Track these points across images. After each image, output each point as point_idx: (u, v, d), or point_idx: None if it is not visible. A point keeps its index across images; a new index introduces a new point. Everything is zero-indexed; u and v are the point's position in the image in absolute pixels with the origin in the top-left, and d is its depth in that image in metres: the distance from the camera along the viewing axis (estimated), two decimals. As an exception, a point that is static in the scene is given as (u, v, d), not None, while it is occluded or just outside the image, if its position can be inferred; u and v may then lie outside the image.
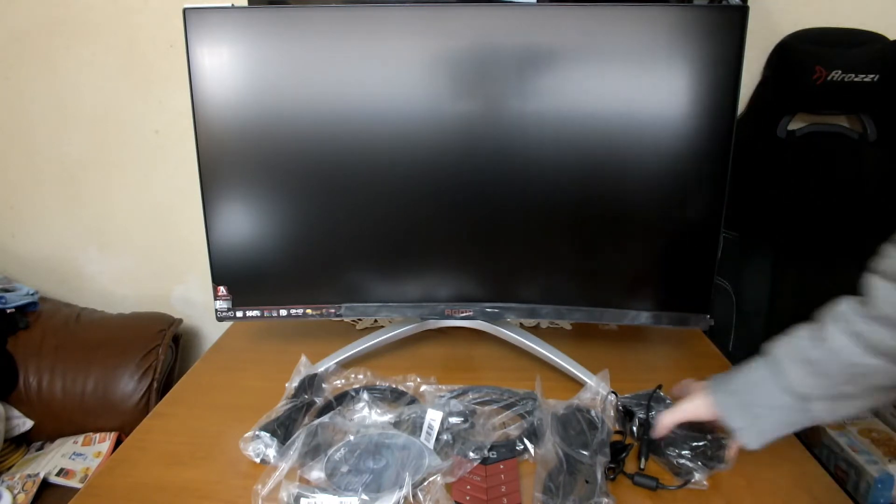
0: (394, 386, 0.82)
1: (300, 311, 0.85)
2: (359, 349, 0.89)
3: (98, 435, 1.19)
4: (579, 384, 0.82)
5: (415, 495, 0.61)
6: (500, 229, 0.81)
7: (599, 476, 0.64)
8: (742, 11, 0.73)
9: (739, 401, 0.62)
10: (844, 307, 0.57)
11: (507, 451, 0.69)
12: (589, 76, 0.75)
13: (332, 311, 0.85)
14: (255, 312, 0.85)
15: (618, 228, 0.80)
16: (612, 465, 0.67)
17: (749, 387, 0.61)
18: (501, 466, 0.67)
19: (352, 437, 0.70)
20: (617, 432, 0.74)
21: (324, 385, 0.82)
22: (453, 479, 0.64)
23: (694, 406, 0.65)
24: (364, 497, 0.60)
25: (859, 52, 1.01)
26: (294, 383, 0.81)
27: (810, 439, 1.02)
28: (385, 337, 0.90)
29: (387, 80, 0.76)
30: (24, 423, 1.19)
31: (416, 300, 0.85)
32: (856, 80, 1.01)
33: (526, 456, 0.70)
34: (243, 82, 0.77)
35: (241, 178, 0.80)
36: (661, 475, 0.67)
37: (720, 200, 0.78)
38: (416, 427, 0.71)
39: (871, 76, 1.00)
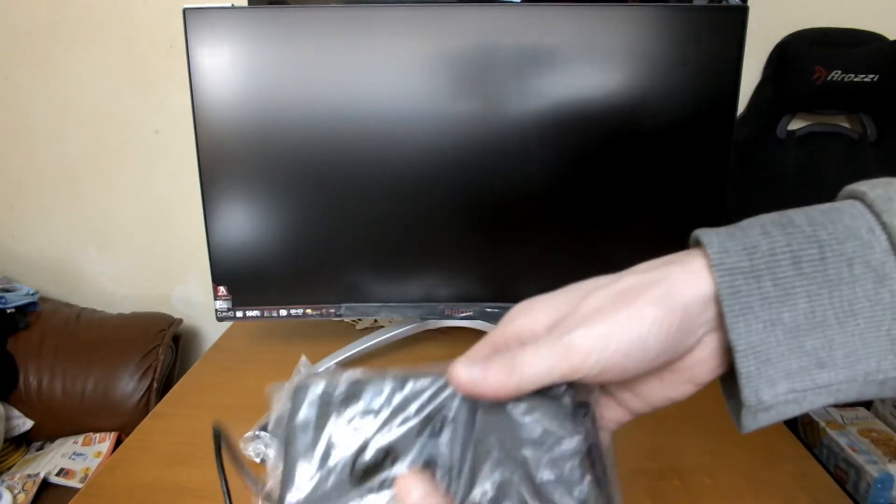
0: (394, 386, 0.82)
1: (300, 311, 0.85)
2: (359, 349, 0.89)
3: (98, 435, 1.19)
4: (579, 384, 0.82)
5: (415, 495, 0.61)
6: (500, 229, 0.81)
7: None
8: (742, 11, 0.73)
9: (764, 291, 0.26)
10: None
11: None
12: (588, 76, 0.75)
13: (332, 311, 0.85)
14: (255, 312, 0.85)
15: (618, 228, 0.80)
16: None
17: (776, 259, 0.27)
18: (501, 466, 0.67)
19: (352, 437, 0.70)
20: None
21: (324, 385, 0.82)
22: (453, 479, 0.64)
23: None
24: (364, 497, 0.60)
25: (859, 52, 1.01)
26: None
27: (810, 439, 1.02)
28: (385, 337, 0.90)
29: (386, 79, 0.76)
30: (24, 423, 1.19)
31: (416, 300, 0.85)
32: (856, 80, 1.01)
33: (526, 456, 0.70)
34: (243, 82, 0.77)
35: (241, 177, 0.80)
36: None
37: (720, 200, 0.78)
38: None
39: (871, 76, 1.00)
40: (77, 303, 1.36)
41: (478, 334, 0.91)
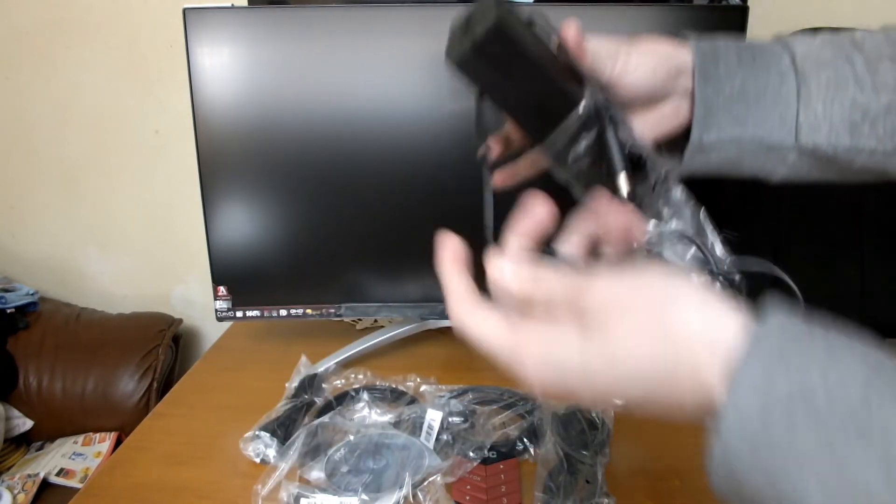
0: (394, 386, 0.82)
1: (300, 311, 0.85)
2: (359, 349, 0.89)
3: (98, 435, 1.19)
4: (579, 384, 0.82)
5: (415, 495, 0.61)
6: (500, 229, 0.81)
7: (600, 476, 0.64)
8: (742, 11, 0.73)
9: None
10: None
11: (507, 451, 0.69)
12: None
13: (332, 311, 0.85)
14: (255, 312, 0.85)
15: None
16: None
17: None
18: (501, 466, 0.67)
19: (352, 437, 0.70)
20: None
21: (324, 385, 0.82)
22: (453, 479, 0.64)
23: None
24: (364, 497, 0.60)
25: (859, 52, 1.01)
26: (294, 383, 0.81)
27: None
28: (385, 337, 0.90)
29: (387, 79, 0.76)
30: (24, 423, 1.19)
31: (416, 300, 0.85)
32: (856, 80, 1.01)
33: (526, 456, 0.70)
34: (243, 82, 0.77)
35: (241, 178, 0.80)
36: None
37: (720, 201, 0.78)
38: (416, 427, 0.71)
39: (871, 76, 1.00)
40: (77, 303, 1.36)
41: (478, 334, 0.91)
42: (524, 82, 0.35)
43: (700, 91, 0.40)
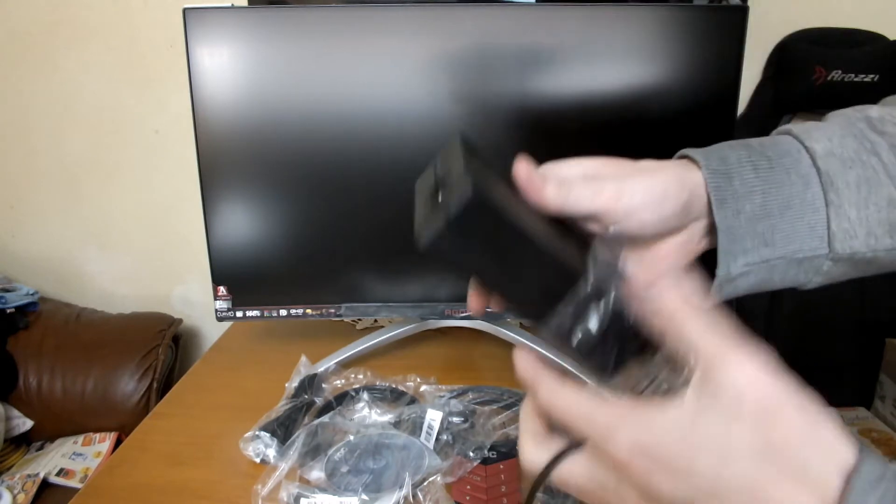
0: (394, 386, 0.82)
1: (300, 311, 0.85)
2: (359, 349, 0.89)
3: (98, 435, 1.19)
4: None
5: (415, 495, 0.61)
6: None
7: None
8: (742, 11, 0.73)
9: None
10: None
11: (507, 451, 0.69)
12: (589, 76, 0.75)
13: (332, 311, 0.85)
14: (255, 312, 0.85)
15: (618, 228, 0.80)
16: None
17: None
18: (501, 466, 0.67)
19: (352, 437, 0.70)
20: None
21: (324, 385, 0.82)
22: (453, 479, 0.64)
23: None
24: (364, 497, 0.60)
25: (859, 53, 1.01)
26: (294, 383, 0.81)
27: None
28: (385, 337, 0.90)
29: (387, 80, 0.76)
30: (24, 423, 1.19)
31: (416, 300, 0.85)
32: (856, 80, 1.01)
33: (526, 456, 0.70)
34: (243, 82, 0.77)
35: (241, 178, 0.80)
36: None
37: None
38: (416, 427, 0.71)
39: (871, 76, 1.00)
40: (77, 303, 1.36)
41: (478, 334, 0.91)
42: (513, 258, 0.29)
43: (720, 219, 0.35)
